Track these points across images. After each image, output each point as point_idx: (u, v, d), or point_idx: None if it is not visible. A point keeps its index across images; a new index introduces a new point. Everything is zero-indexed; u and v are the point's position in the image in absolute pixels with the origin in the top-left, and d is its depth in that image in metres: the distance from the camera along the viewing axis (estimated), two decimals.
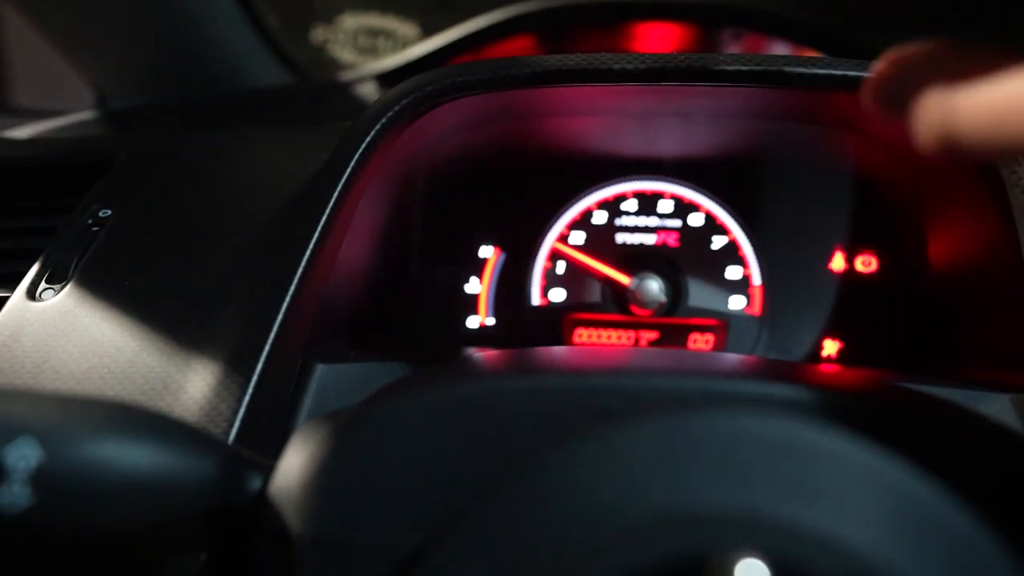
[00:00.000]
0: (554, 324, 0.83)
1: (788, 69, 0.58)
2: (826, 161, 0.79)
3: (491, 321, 0.85)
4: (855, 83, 0.59)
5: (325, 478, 0.35)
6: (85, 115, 1.09)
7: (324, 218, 0.59)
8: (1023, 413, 0.55)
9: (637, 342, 0.83)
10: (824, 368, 0.71)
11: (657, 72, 0.59)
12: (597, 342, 0.83)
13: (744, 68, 0.58)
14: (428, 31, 1.52)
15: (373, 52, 1.53)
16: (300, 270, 0.57)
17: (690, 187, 0.83)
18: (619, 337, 0.83)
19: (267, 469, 0.39)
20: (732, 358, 0.51)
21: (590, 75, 0.60)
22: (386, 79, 1.27)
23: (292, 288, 0.57)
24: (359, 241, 0.71)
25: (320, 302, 0.64)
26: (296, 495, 0.35)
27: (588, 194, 0.84)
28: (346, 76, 1.29)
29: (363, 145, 0.61)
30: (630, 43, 1.34)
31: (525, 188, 0.85)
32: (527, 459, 0.32)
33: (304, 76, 1.39)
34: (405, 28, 1.50)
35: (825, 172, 0.80)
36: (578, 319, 0.83)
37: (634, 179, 0.84)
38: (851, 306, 0.80)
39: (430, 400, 0.39)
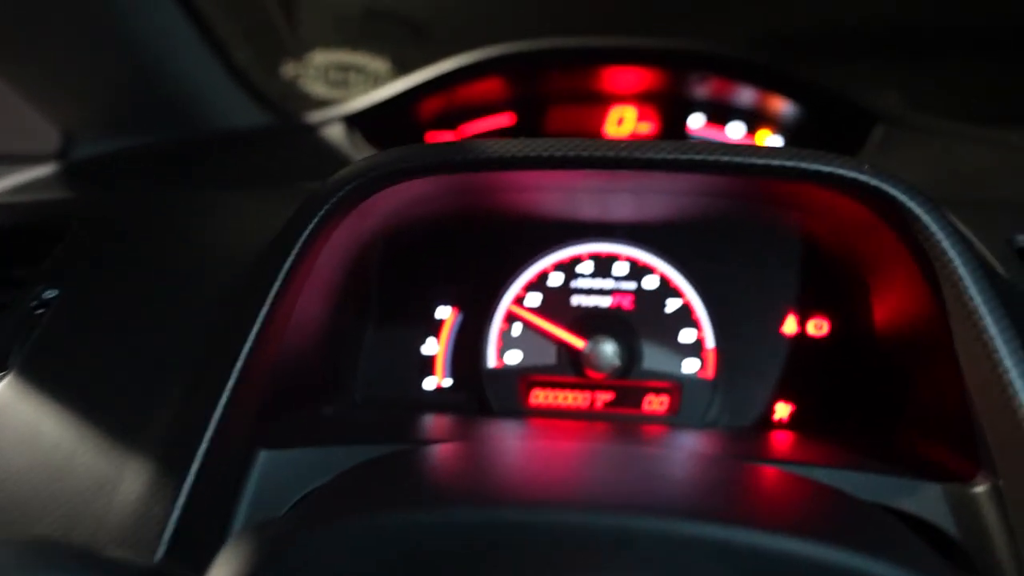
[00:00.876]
0: (510, 386, 0.84)
1: (718, 158, 0.59)
2: (777, 228, 0.80)
3: (448, 382, 0.86)
4: (789, 172, 0.60)
5: None
6: (46, 169, 1.09)
7: (267, 305, 0.60)
8: (954, 504, 0.56)
9: (593, 404, 0.84)
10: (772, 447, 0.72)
11: (585, 161, 0.60)
12: (553, 404, 0.84)
13: (671, 157, 0.59)
14: (400, 65, 1.53)
15: (345, 86, 1.54)
16: (241, 360, 0.58)
17: (645, 250, 0.84)
18: (575, 398, 0.84)
19: None
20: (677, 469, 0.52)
21: (526, 162, 0.61)
22: (354, 120, 1.28)
23: (232, 380, 0.58)
24: (311, 312, 0.72)
25: (268, 384, 0.64)
26: None
27: (544, 256, 0.85)
28: (314, 118, 1.29)
29: (305, 233, 0.61)
30: (599, 85, 1.35)
31: (482, 249, 0.86)
32: None
33: (276, 111, 1.39)
34: (376, 63, 1.50)
35: (776, 238, 0.81)
36: (534, 380, 0.84)
37: (590, 242, 0.85)
38: (803, 369, 0.82)
39: (347, 528, 0.39)
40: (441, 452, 0.56)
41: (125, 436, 0.55)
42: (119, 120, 1.26)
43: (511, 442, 0.62)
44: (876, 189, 0.59)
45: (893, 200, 0.58)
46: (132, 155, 1.17)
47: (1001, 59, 1.59)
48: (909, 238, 0.60)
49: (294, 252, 0.61)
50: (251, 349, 0.60)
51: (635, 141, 0.62)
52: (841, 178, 0.59)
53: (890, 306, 0.71)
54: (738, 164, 0.59)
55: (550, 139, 0.62)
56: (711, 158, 0.59)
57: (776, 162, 0.59)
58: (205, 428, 0.55)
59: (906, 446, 0.67)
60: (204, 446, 0.54)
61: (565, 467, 0.52)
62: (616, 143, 0.62)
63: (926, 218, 0.58)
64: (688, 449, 0.67)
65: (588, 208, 0.82)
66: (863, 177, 0.59)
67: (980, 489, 0.56)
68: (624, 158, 0.60)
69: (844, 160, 0.60)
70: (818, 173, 0.59)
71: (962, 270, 0.57)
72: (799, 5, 1.61)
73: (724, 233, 0.83)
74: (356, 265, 0.80)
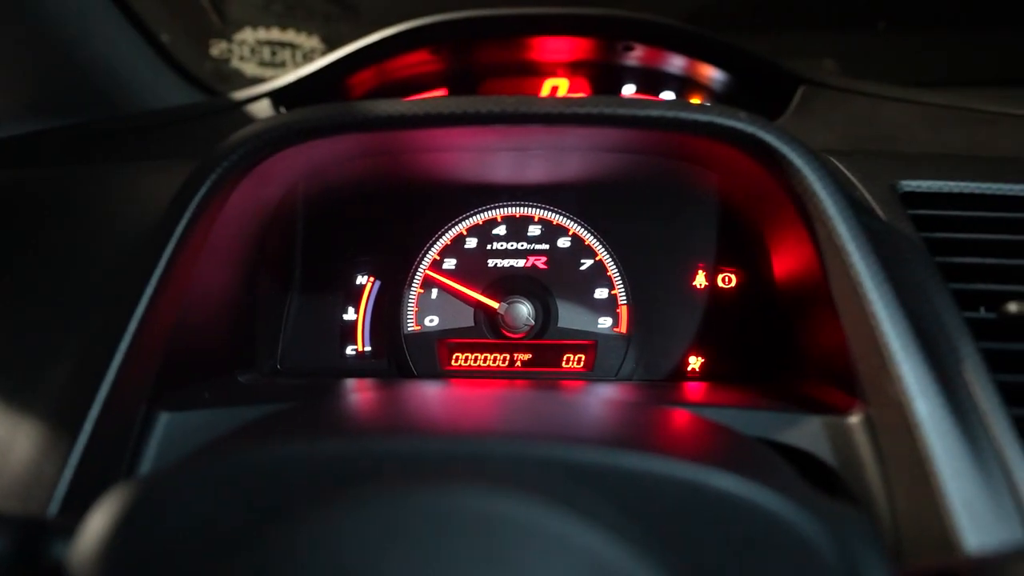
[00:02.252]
0: (429, 350, 0.86)
1: (602, 111, 0.61)
2: (686, 186, 0.82)
3: (368, 349, 0.87)
4: (670, 123, 0.62)
5: (117, 543, 0.37)
6: None
7: (158, 270, 0.61)
8: (832, 435, 0.60)
9: (512, 363, 0.86)
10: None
11: (486, 116, 0.62)
12: (473, 366, 0.86)
13: (555, 111, 0.61)
14: (332, 41, 1.53)
15: (275, 64, 1.53)
16: (134, 323, 0.59)
17: (558, 211, 0.86)
18: (494, 360, 0.86)
19: (71, 535, 0.41)
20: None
21: (420, 120, 0.63)
22: (280, 96, 1.28)
23: (124, 343, 0.59)
24: (215, 278, 0.73)
25: (168, 349, 0.65)
26: (93, 561, 0.37)
27: (459, 221, 0.87)
28: (241, 95, 1.29)
29: (197, 197, 0.62)
30: (531, 56, 1.36)
31: (398, 217, 0.88)
32: (274, 529, 0.35)
33: (205, 90, 1.39)
34: (308, 40, 1.50)
35: (686, 196, 0.84)
36: (453, 344, 0.86)
37: (503, 205, 0.87)
38: (713, 322, 0.85)
39: (214, 468, 0.41)
40: (348, 398, 0.58)
41: (19, 398, 0.56)
42: (42, 101, 1.25)
43: (418, 389, 0.64)
44: (752, 136, 0.61)
45: (767, 146, 0.61)
46: (54, 135, 1.16)
47: (927, 24, 1.64)
48: (786, 183, 0.62)
49: (185, 217, 0.62)
50: (144, 313, 0.61)
51: (525, 97, 0.64)
52: (719, 126, 0.62)
53: (784, 257, 0.75)
54: (622, 116, 0.62)
55: (445, 98, 0.64)
56: (596, 111, 0.62)
57: (656, 113, 0.62)
58: (97, 389, 0.56)
59: (798, 388, 0.71)
60: (97, 408, 0.55)
61: (453, 408, 0.54)
62: (507, 99, 0.64)
63: (798, 162, 0.61)
64: (597, 396, 0.69)
65: (501, 171, 0.84)
66: (739, 125, 0.61)
67: (854, 419, 0.59)
68: (512, 113, 0.62)
69: (722, 110, 0.63)
70: (696, 122, 0.62)
71: (832, 210, 0.60)
72: None
73: (635, 193, 0.85)
74: (268, 232, 0.81)
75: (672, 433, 0.53)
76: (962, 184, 0.71)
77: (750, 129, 0.61)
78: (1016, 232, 0.67)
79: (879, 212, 0.68)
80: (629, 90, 1.39)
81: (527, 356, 0.86)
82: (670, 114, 0.62)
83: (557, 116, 0.62)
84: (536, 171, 0.85)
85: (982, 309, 0.64)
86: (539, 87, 1.42)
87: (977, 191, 0.70)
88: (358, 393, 0.59)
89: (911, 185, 0.71)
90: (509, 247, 0.87)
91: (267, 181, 0.71)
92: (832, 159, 0.76)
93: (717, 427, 0.55)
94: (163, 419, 0.61)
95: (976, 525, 0.48)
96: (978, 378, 0.55)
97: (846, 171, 0.73)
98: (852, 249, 0.58)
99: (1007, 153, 1.04)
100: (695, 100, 1.37)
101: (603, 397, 0.67)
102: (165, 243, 0.61)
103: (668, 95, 1.37)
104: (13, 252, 0.71)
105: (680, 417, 0.57)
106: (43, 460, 0.53)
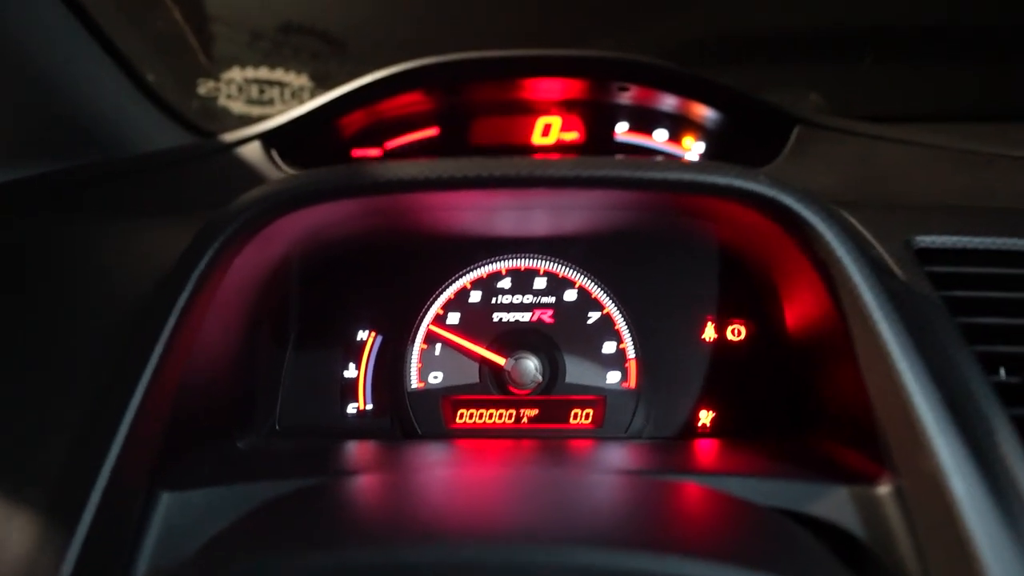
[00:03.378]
0: (433, 407, 0.84)
1: (618, 174, 0.60)
2: (692, 237, 0.81)
3: (370, 407, 0.85)
4: (689, 186, 0.61)
5: None
6: None
7: (162, 342, 0.58)
8: (860, 506, 0.58)
9: (518, 420, 0.84)
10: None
11: (495, 180, 0.61)
12: (479, 423, 0.84)
13: (572, 174, 0.60)
14: (321, 78, 1.51)
15: (265, 102, 1.51)
16: (136, 399, 0.56)
17: (563, 263, 0.85)
18: (500, 416, 0.84)
19: None
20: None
21: (428, 184, 0.61)
22: (271, 138, 1.26)
23: (127, 421, 0.56)
24: (218, 341, 0.70)
25: (170, 420, 0.62)
26: None
27: (463, 274, 0.85)
28: (230, 137, 1.26)
29: (201, 265, 0.60)
30: (523, 95, 1.36)
31: (400, 270, 0.86)
32: None
33: (193, 130, 1.37)
34: (297, 78, 1.48)
35: (692, 247, 0.83)
36: (458, 400, 0.84)
37: (508, 257, 0.85)
38: (724, 375, 0.83)
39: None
40: (354, 487, 0.55)
41: (14, 489, 0.53)
42: (27, 145, 1.22)
43: (424, 474, 0.62)
44: (772, 200, 0.60)
45: (788, 209, 0.60)
46: (45, 182, 1.13)
47: (914, 58, 1.66)
48: (807, 245, 0.62)
49: (189, 285, 0.60)
50: (147, 386, 0.58)
51: (534, 161, 0.63)
52: (739, 190, 0.61)
53: (798, 310, 0.74)
54: (639, 179, 0.61)
55: (451, 160, 0.63)
56: (612, 174, 0.61)
57: (675, 176, 0.61)
58: (98, 471, 0.53)
59: (818, 449, 0.69)
60: (98, 494, 0.52)
61: (464, 504, 0.52)
62: (515, 163, 0.62)
63: (821, 226, 0.60)
64: (608, 467, 0.68)
65: (505, 224, 0.83)
66: (759, 188, 0.61)
67: (884, 490, 0.58)
68: (522, 177, 0.61)
69: (741, 171, 0.62)
70: (715, 186, 0.61)
71: (856, 276, 0.59)
72: (719, 13, 1.66)
73: (641, 244, 0.84)
74: (268, 290, 0.78)
75: (688, 520, 0.51)
76: (977, 240, 0.70)
77: (770, 193, 0.61)
78: None
79: (897, 271, 0.67)
80: (622, 128, 1.38)
81: (534, 412, 0.84)
82: (688, 177, 0.61)
83: (572, 180, 0.61)
84: (540, 224, 0.83)
85: (1002, 371, 0.63)
86: (532, 124, 1.42)
87: (993, 247, 0.70)
88: (361, 479, 0.56)
89: (926, 241, 0.71)
90: (515, 300, 0.85)
91: (269, 242, 0.69)
92: (845, 213, 0.75)
93: (736, 508, 0.53)
94: (164, 499, 0.58)
95: None
96: (1012, 450, 0.54)
97: (860, 227, 0.72)
98: (879, 317, 0.57)
99: (1005, 195, 1.05)
100: (689, 138, 1.37)
101: (615, 468, 0.65)
102: (168, 313, 0.59)
103: (661, 133, 1.37)
104: (6, 311, 0.67)
105: (695, 497, 0.55)
106: (41, 555, 0.50)
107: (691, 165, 0.62)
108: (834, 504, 0.59)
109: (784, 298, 0.76)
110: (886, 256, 0.69)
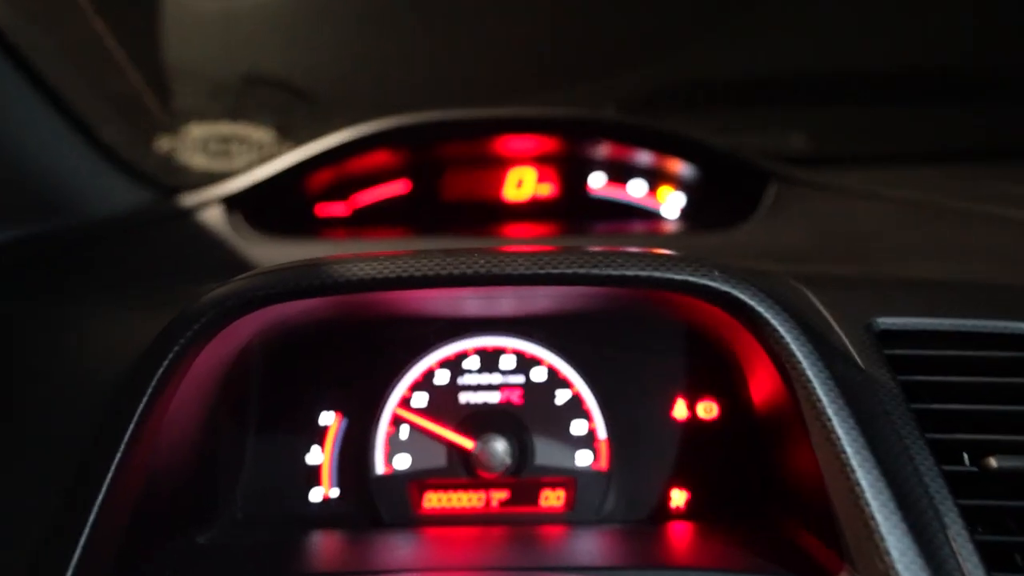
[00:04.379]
0: (400, 492, 0.88)
1: (575, 271, 0.66)
2: (659, 316, 0.87)
3: (335, 493, 0.89)
4: (643, 281, 0.67)
5: None
6: None
7: (120, 451, 0.63)
8: None
9: (488, 504, 0.88)
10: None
11: (455, 279, 0.66)
12: (447, 507, 0.88)
13: (528, 272, 0.65)
14: (286, 129, 1.57)
15: (226, 156, 1.57)
16: (93, 512, 0.61)
17: (531, 342, 0.90)
18: (469, 499, 0.88)
19: None
20: None
21: (388, 284, 0.66)
22: (234, 202, 1.31)
23: (89, 523, 0.60)
24: (178, 437, 0.75)
25: (128, 524, 0.66)
26: None
27: (429, 354, 0.90)
28: (192, 200, 1.31)
29: (159, 372, 0.65)
30: (496, 149, 1.42)
31: (365, 351, 0.90)
32: None
33: (154, 187, 1.41)
34: (259, 132, 1.54)
35: (661, 326, 0.88)
36: (425, 484, 0.88)
37: (475, 336, 0.90)
38: (696, 453, 0.88)
39: None
40: None
41: None
42: None
43: None
44: (726, 294, 0.66)
45: (742, 304, 0.66)
46: (3, 254, 1.17)
47: (890, 103, 1.75)
48: (760, 336, 0.67)
49: (151, 388, 0.65)
50: (108, 491, 0.63)
51: (497, 256, 0.68)
52: (694, 285, 0.67)
53: (761, 391, 0.79)
54: (598, 276, 0.66)
55: (411, 259, 0.68)
56: (569, 272, 0.66)
57: (632, 273, 0.66)
58: None
59: (784, 535, 0.74)
60: None
61: None
62: (479, 259, 0.68)
63: (774, 320, 0.66)
64: (578, 561, 0.72)
65: (471, 305, 0.88)
66: (713, 284, 0.66)
67: None
68: (485, 275, 0.66)
69: (697, 266, 0.67)
70: (671, 281, 0.66)
71: (809, 370, 0.64)
72: (691, 62, 1.73)
73: (610, 323, 0.90)
74: (229, 379, 0.83)
75: None
76: (936, 321, 0.76)
77: (724, 288, 0.66)
78: (992, 375, 0.72)
79: (856, 356, 0.72)
80: (598, 179, 1.45)
81: (504, 495, 0.88)
82: (644, 274, 0.66)
83: (531, 278, 0.66)
84: (507, 305, 0.88)
85: (966, 456, 0.68)
86: (504, 176, 1.48)
87: (952, 328, 0.76)
88: None
89: (887, 323, 0.76)
90: (482, 381, 0.90)
91: (230, 336, 0.73)
92: (808, 293, 0.81)
93: None
94: None
95: None
96: (962, 545, 0.59)
97: (822, 308, 0.78)
98: (831, 411, 0.63)
99: (978, 250, 1.12)
100: (665, 189, 1.44)
101: (585, 563, 0.69)
102: (130, 418, 0.64)
103: (637, 185, 1.44)
104: None
105: None
106: None
107: (649, 259, 0.67)
108: None
109: (748, 377, 0.82)
110: (846, 340, 0.74)
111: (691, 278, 0.67)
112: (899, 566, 0.57)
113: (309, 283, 0.67)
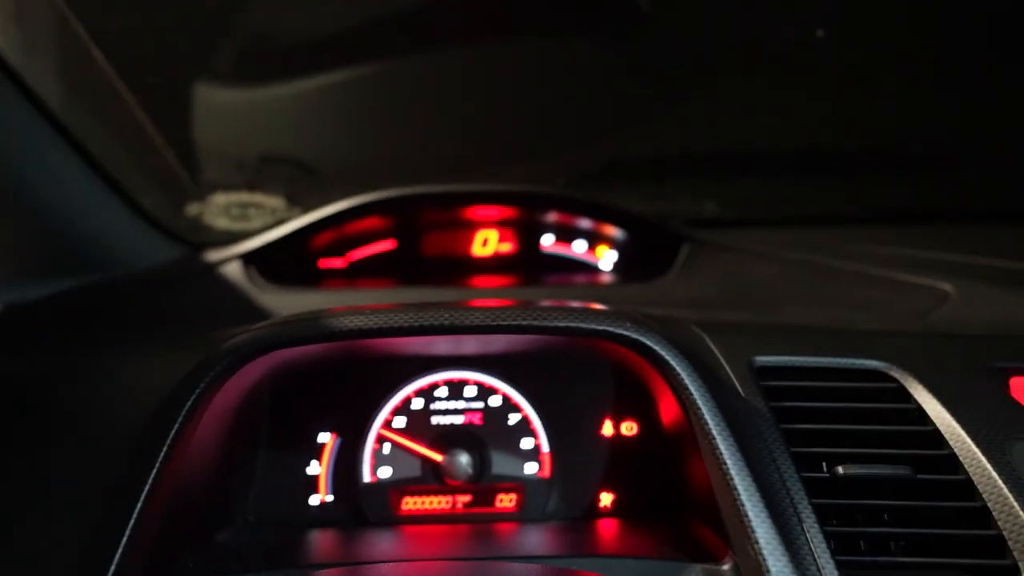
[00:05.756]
0: (383, 497, 0.92)
1: (519, 323, 0.72)
2: (592, 356, 0.92)
3: (330, 498, 0.92)
4: (572, 331, 0.73)
5: None
6: None
7: (154, 470, 0.66)
8: None
9: (454, 506, 0.92)
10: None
11: (425, 329, 0.71)
12: (421, 509, 0.92)
13: (504, 323, 0.72)
14: (295, 197, 1.62)
15: (245, 219, 1.61)
16: (132, 520, 0.64)
17: (489, 375, 0.95)
18: (439, 502, 0.92)
19: None
20: None
21: (370, 334, 0.71)
22: (250, 258, 1.35)
23: (128, 529, 0.63)
24: (202, 456, 0.78)
25: (159, 529, 0.69)
26: None
27: (406, 385, 0.94)
28: (215, 256, 1.35)
29: (185, 408, 0.69)
30: (465, 215, 1.49)
31: (355, 383, 0.94)
32: None
33: (184, 244, 1.44)
34: (272, 200, 1.59)
35: (592, 363, 0.94)
36: (404, 491, 0.92)
37: (444, 371, 0.95)
38: (620, 464, 0.93)
39: None
40: None
41: None
42: (36, 267, 1.29)
43: (373, 570, 0.69)
44: (636, 341, 0.72)
45: (648, 348, 0.72)
46: (44, 306, 1.20)
47: (784, 177, 1.85)
48: (663, 373, 0.73)
49: (180, 419, 0.68)
50: (143, 505, 0.66)
51: (459, 311, 0.73)
52: (610, 334, 0.72)
53: (667, 416, 0.85)
54: (534, 327, 0.72)
55: (389, 312, 0.73)
56: (515, 323, 0.72)
57: (563, 323, 0.72)
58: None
59: (687, 529, 0.79)
60: None
61: None
62: (443, 314, 0.73)
63: (672, 361, 0.71)
64: (525, 550, 0.76)
65: (441, 346, 0.93)
66: (626, 332, 0.72)
67: (726, 567, 0.68)
68: (449, 326, 0.71)
69: (613, 319, 0.73)
70: (593, 330, 0.72)
71: (699, 399, 0.70)
72: (625, 144, 1.82)
73: (553, 360, 0.94)
74: (243, 408, 0.86)
75: None
76: (802, 359, 0.82)
77: (634, 336, 0.72)
78: (844, 401, 0.78)
79: (738, 387, 0.78)
80: (548, 240, 1.52)
81: (467, 498, 0.92)
82: (573, 325, 0.72)
83: (485, 328, 0.72)
84: (470, 346, 0.93)
85: (824, 465, 0.74)
86: (473, 237, 1.54)
87: (813, 364, 0.82)
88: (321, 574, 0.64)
89: (763, 360, 0.82)
90: (450, 406, 0.94)
91: (245, 375, 0.77)
92: (703, 335, 0.87)
93: None
94: None
95: None
96: (814, 534, 0.65)
97: (713, 347, 0.84)
98: (716, 432, 0.68)
99: (844, 301, 1.20)
100: (602, 248, 1.51)
101: (531, 552, 0.73)
102: (163, 443, 0.67)
103: (580, 244, 1.51)
104: (17, 439, 0.74)
105: None
106: None
107: (578, 313, 0.73)
108: None
109: (658, 403, 0.87)
110: (731, 374, 0.80)
111: (609, 328, 0.73)
112: (765, 551, 0.62)
113: (308, 333, 0.72)
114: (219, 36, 1.59)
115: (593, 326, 0.73)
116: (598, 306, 0.77)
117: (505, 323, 0.72)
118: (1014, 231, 1.55)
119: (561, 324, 0.72)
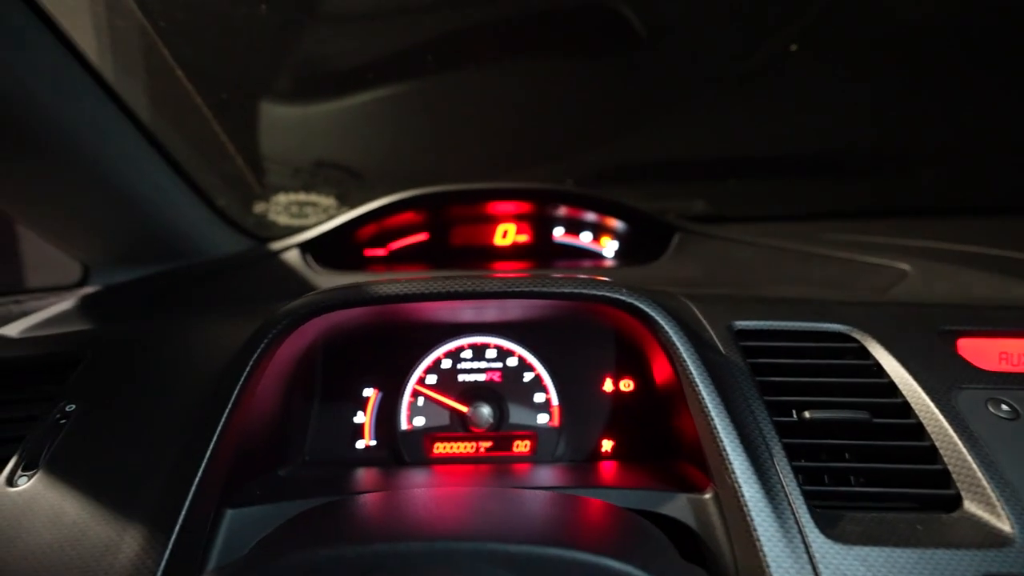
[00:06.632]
0: (418, 442, 0.93)
1: (532, 289, 0.72)
2: (596, 322, 0.92)
3: (373, 443, 0.94)
4: (577, 296, 0.73)
5: None
6: (66, 305, 1.13)
7: (228, 409, 0.68)
8: (694, 508, 0.68)
9: (477, 450, 0.93)
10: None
11: (452, 295, 0.72)
12: (450, 452, 0.93)
13: (500, 290, 0.72)
14: (344, 197, 1.64)
15: (302, 216, 1.63)
16: (210, 449, 0.66)
17: (508, 340, 0.96)
18: (464, 447, 0.93)
19: None
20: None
21: (405, 298, 0.73)
22: (307, 246, 1.38)
23: (207, 456, 0.66)
24: (267, 401, 0.80)
25: (232, 459, 0.72)
26: None
27: (437, 348, 0.96)
28: (276, 246, 1.38)
29: (255, 356, 0.71)
30: (487, 209, 1.50)
31: (394, 347, 0.96)
32: None
33: (251, 238, 1.48)
34: (325, 199, 1.61)
35: (596, 327, 0.94)
36: (435, 437, 0.93)
37: (469, 336, 0.96)
38: (619, 416, 0.94)
39: (280, 565, 0.48)
40: (361, 503, 0.64)
41: (126, 511, 0.62)
42: (132, 256, 1.33)
43: (410, 494, 0.71)
44: (630, 304, 0.72)
45: (641, 311, 0.72)
46: (139, 285, 1.23)
47: (763, 178, 1.83)
48: (654, 333, 0.73)
49: (248, 368, 0.70)
50: (218, 438, 0.68)
51: (479, 278, 0.74)
52: (609, 298, 0.73)
53: (659, 372, 0.85)
54: (545, 292, 0.73)
55: (421, 280, 0.74)
56: (525, 289, 0.72)
57: (568, 290, 0.73)
58: (186, 497, 0.63)
59: (674, 468, 0.80)
60: (184, 513, 0.61)
61: (432, 514, 0.61)
62: (467, 280, 0.74)
63: (661, 320, 0.72)
64: (537, 484, 0.77)
65: (467, 314, 0.94)
66: (622, 296, 0.73)
67: (707, 496, 0.68)
68: (471, 292, 0.72)
69: (611, 286, 0.74)
70: (594, 296, 0.73)
71: (685, 354, 0.70)
72: (628, 148, 1.81)
73: (562, 326, 0.95)
74: (300, 364, 0.88)
75: (583, 523, 0.61)
76: (775, 323, 0.82)
77: (629, 300, 0.72)
78: (809, 357, 0.78)
79: (719, 346, 0.78)
80: (559, 231, 1.52)
81: (488, 444, 0.93)
82: (577, 291, 0.72)
83: (501, 293, 0.72)
84: (491, 314, 0.94)
85: (794, 412, 0.74)
86: (495, 230, 1.55)
87: (784, 328, 0.82)
88: (366, 497, 0.66)
89: (743, 324, 0.82)
90: (474, 366, 0.95)
91: (302, 335, 0.79)
92: (690, 303, 0.87)
93: (618, 515, 0.63)
94: (228, 515, 0.67)
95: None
96: (784, 468, 0.65)
97: (698, 313, 0.84)
98: (698, 381, 0.69)
99: (812, 278, 1.18)
100: (606, 238, 1.51)
101: (542, 484, 0.74)
102: (234, 387, 0.69)
103: (587, 235, 1.51)
104: (116, 393, 0.77)
105: (592, 507, 0.65)
106: (145, 556, 0.58)
107: (579, 281, 0.74)
108: (679, 506, 0.69)
109: (651, 362, 0.87)
110: (714, 336, 0.80)
111: (609, 294, 0.73)
112: (740, 480, 0.62)
113: (355, 298, 0.73)
114: (279, 61, 1.62)
115: (595, 292, 0.73)
116: (600, 278, 0.78)
117: (519, 289, 0.72)
118: (965, 223, 1.52)
119: (567, 290, 0.72)
